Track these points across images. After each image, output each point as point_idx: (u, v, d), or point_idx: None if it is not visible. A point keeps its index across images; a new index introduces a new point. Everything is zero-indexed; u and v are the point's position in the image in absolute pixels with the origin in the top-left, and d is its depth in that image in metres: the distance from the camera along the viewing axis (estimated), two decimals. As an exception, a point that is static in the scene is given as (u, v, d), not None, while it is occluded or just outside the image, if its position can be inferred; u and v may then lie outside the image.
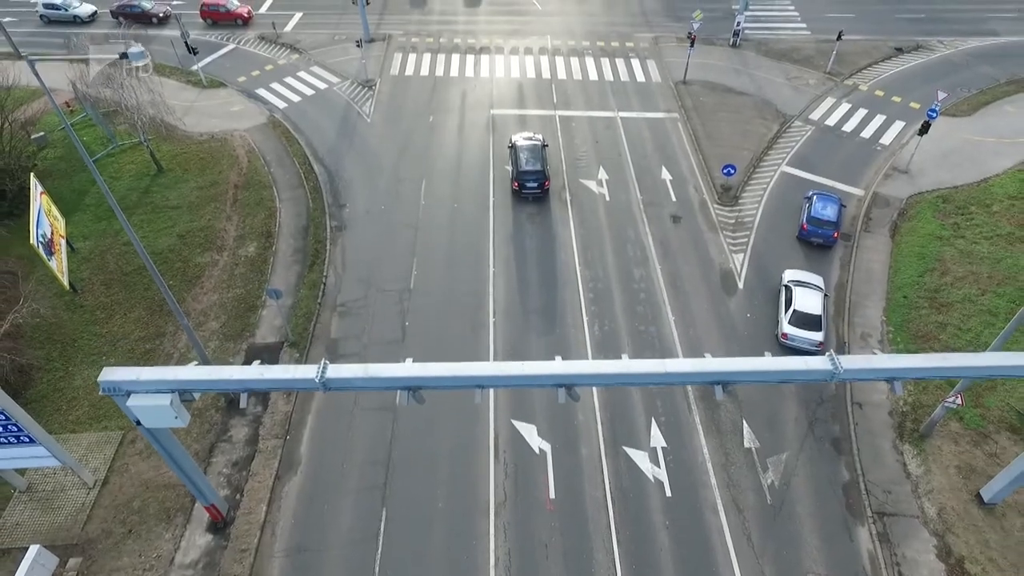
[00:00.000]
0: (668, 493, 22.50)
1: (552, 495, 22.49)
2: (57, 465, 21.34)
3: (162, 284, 21.62)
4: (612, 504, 22.21)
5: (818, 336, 26.24)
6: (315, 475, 23.23)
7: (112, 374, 15.95)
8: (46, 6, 51.67)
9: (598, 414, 24.67)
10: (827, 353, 15.80)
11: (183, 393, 16.34)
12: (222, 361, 26.86)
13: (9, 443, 20.11)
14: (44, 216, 28.31)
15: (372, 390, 16.44)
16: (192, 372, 16.17)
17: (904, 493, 22.38)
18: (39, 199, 28.42)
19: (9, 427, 19.57)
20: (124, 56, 17.36)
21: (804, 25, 49.86)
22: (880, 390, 25.32)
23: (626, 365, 15.94)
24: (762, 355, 26.62)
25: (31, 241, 26.22)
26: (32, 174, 29.44)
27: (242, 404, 16.65)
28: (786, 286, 28.09)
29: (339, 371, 15.87)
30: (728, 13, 50.63)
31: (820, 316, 26.57)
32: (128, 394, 16.01)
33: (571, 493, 22.57)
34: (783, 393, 25.45)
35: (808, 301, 26.93)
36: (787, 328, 26.57)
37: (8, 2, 54.10)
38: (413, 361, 16.63)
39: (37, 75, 18.40)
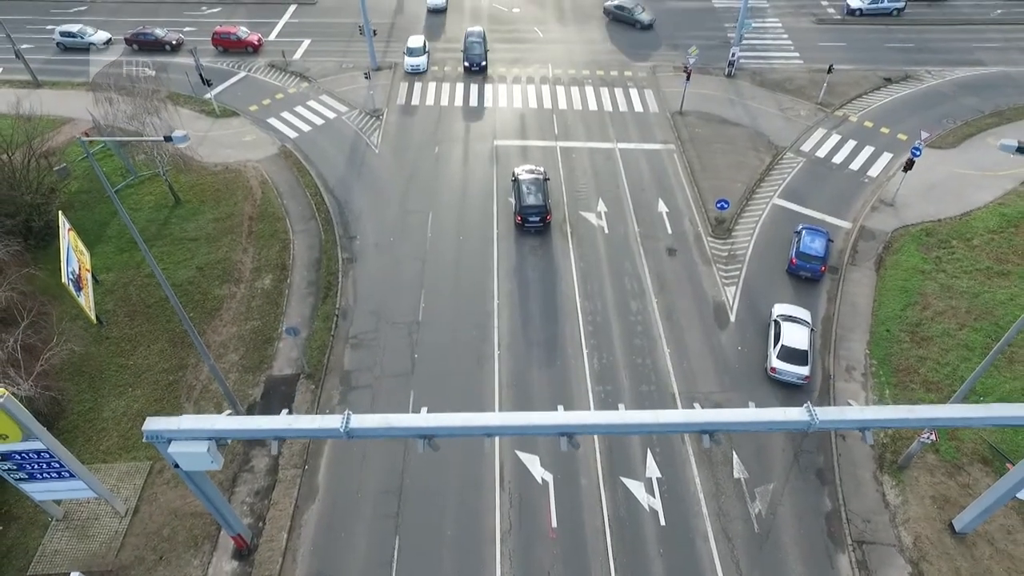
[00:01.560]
0: (662, 522, 24.10)
1: (554, 523, 24.10)
2: (93, 496, 22.96)
3: (186, 320, 23.10)
4: (610, 532, 23.82)
5: (804, 370, 27.84)
6: (332, 504, 24.82)
7: (154, 424, 17.56)
8: (63, 34, 53.30)
9: (597, 445, 26.27)
10: (804, 405, 17.41)
11: (218, 440, 17.95)
12: (242, 392, 28.46)
13: (51, 478, 21.72)
14: (72, 252, 29.92)
15: (391, 438, 18.00)
16: (227, 422, 17.76)
17: (882, 522, 23.99)
18: (67, 236, 30.01)
19: (52, 464, 21.19)
20: (168, 139, 18.87)
21: (797, 54, 51.49)
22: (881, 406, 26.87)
23: (622, 416, 17.54)
24: (753, 387, 28.38)
25: (63, 280, 27.76)
26: (60, 212, 30.99)
27: (273, 451, 18.24)
28: (775, 321, 29.70)
29: (362, 421, 17.47)
30: (724, 42, 52.27)
31: (806, 351, 28.17)
32: (169, 441, 17.62)
33: (572, 521, 24.18)
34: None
35: (795, 336, 28.53)
36: (775, 362, 28.17)
37: (25, 28, 55.65)
38: (427, 409, 18.22)
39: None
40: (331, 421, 17.47)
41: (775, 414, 17.45)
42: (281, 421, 17.74)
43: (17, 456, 20.71)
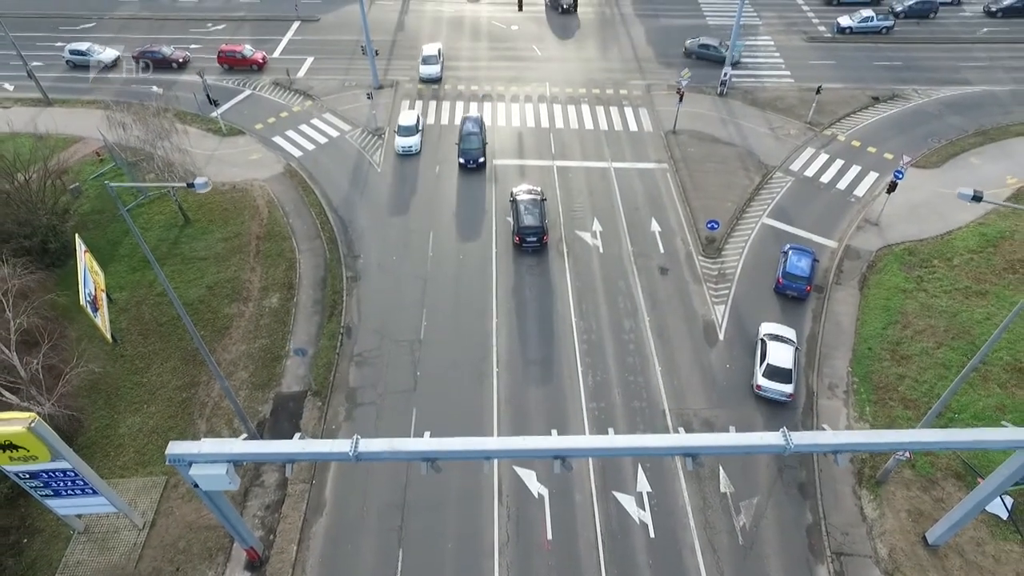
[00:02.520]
0: (652, 534, 25.46)
1: (549, 536, 25.44)
2: (113, 511, 24.28)
3: (198, 339, 24.11)
4: (602, 545, 25.16)
5: (788, 388, 29.20)
6: (339, 517, 26.17)
7: (177, 447, 18.90)
8: (72, 52, 54.59)
9: (591, 462, 27.59)
10: (780, 430, 18.75)
11: (236, 462, 19.27)
12: (252, 409, 29.80)
13: (75, 494, 23.05)
14: (88, 273, 31.24)
15: (397, 461, 19.33)
16: (244, 446, 19.09)
17: (860, 535, 25.35)
18: (83, 258, 31.33)
19: (76, 481, 22.51)
20: (191, 185, 20.18)
21: (788, 72, 52.85)
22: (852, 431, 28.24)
23: (611, 440, 18.90)
24: (740, 404, 29.77)
25: (81, 302, 29.12)
26: (77, 235, 32.27)
27: (288, 474, 19.57)
28: (761, 339, 31.06)
29: (369, 445, 18.80)
30: (718, 61, 53.58)
31: (791, 369, 29.52)
32: (190, 464, 18.95)
33: (566, 534, 25.52)
34: (756, 441, 28.40)
35: (780, 355, 29.89)
36: (761, 380, 29.54)
37: (35, 45, 56.92)
38: (430, 432, 19.47)
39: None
40: (341, 445, 18.80)
41: (753, 439, 18.80)
42: (294, 445, 19.07)
43: (44, 475, 22.04)
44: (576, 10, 61.24)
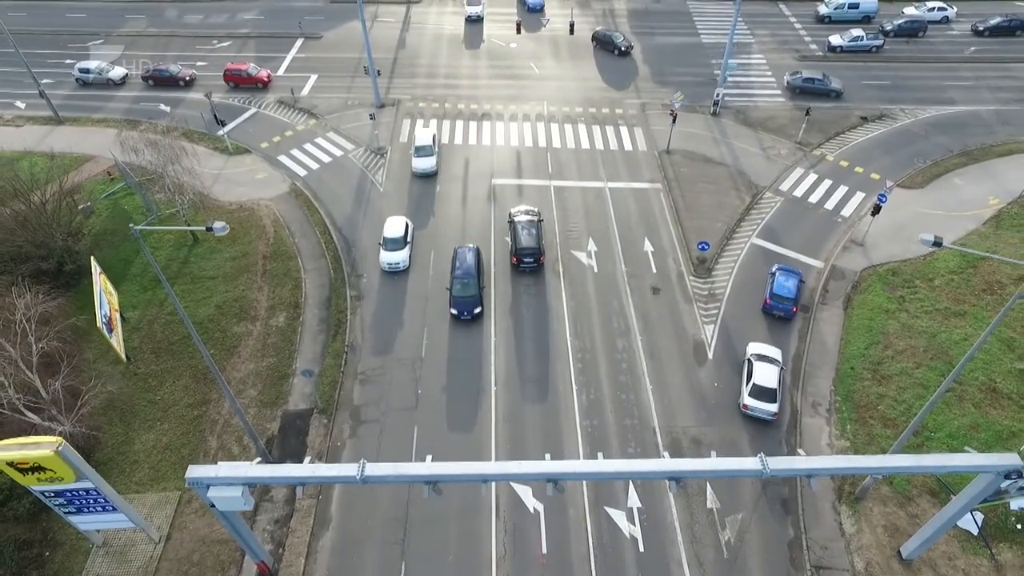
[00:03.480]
0: (641, 548, 26.84)
1: (544, 550, 26.82)
2: (131, 526, 25.65)
3: (209, 359, 25.32)
4: (594, 558, 26.55)
5: (773, 407, 30.58)
6: (345, 531, 27.54)
7: (196, 471, 20.27)
8: (81, 70, 55.99)
9: (583, 481, 28.96)
10: (758, 455, 20.13)
11: (250, 484, 20.65)
12: (261, 427, 31.17)
13: (96, 511, 24.41)
14: (103, 295, 32.58)
15: (400, 483, 20.71)
16: (258, 469, 20.47)
17: (838, 549, 26.74)
18: (98, 280, 32.66)
19: (98, 499, 23.88)
20: (210, 229, 21.51)
21: (779, 91, 54.23)
22: (826, 455, 29.64)
23: (600, 464, 20.30)
24: (727, 421, 31.17)
25: (97, 324, 30.43)
26: (92, 258, 33.58)
27: (299, 495, 20.94)
28: (748, 359, 32.45)
29: (375, 469, 20.17)
30: (711, 79, 55.03)
31: (775, 389, 30.89)
32: (208, 487, 20.33)
33: (560, 548, 26.91)
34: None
35: (766, 375, 31.26)
36: (747, 400, 30.92)
37: (45, 63, 58.28)
38: (431, 456, 20.86)
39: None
40: (348, 469, 20.18)
41: (733, 463, 20.18)
42: (305, 469, 20.45)
43: (68, 493, 23.39)
44: (631, 53, 60.10)
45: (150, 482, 29.15)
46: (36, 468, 21.81)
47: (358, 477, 19.91)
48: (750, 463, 20.02)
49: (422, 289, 37.94)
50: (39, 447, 21.47)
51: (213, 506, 21.02)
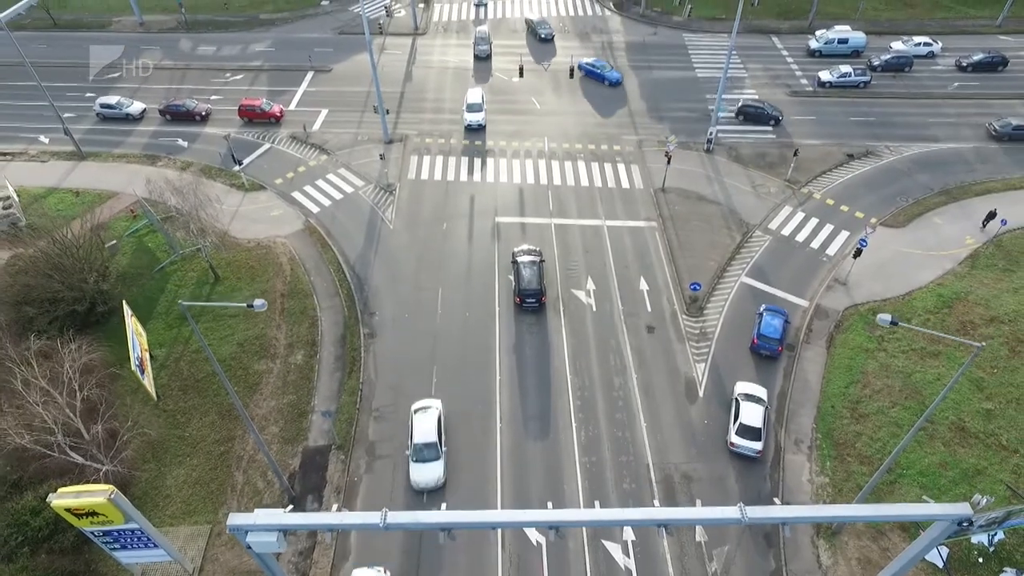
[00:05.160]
0: (635, 579, 29.32)
1: (546, 580, 29.31)
2: (169, 560, 28.08)
3: (235, 397, 27.50)
4: (592, 589, 29.01)
5: (758, 445, 33.04)
6: (363, 562, 29.89)
7: (236, 519, 22.59)
8: (103, 105, 58.42)
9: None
10: (737, 504, 22.53)
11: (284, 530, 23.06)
12: (283, 462, 33.58)
13: (139, 548, 26.86)
14: (135, 337, 35.00)
15: (419, 529, 23.12)
16: (292, 517, 22.73)
17: (816, 580, 29.21)
18: (131, 323, 35.06)
19: (141, 538, 26.32)
20: (250, 306, 23.91)
21: (770, 128, 56.68)
22: (805, 491, 32.12)
23: (597, 513, 22.73)
24: (715, 457, 33.62)
25: (131, 367, 32.88)
26: (124, 302, 35.95)
27: (328, 540, 23.34)
28: (736, 399, 34.89)
29: (396, 518, 22.39)
30: (705, 114, 57.46)
31: (760, 428, 33.34)
32: (247, 532, 22.76)
33: (561, 579, 29.38)
34: (729, 493, 32.27)
35: (751, 414, 33.71)
36: (734, 438, 33.38)
37: (66, 96, 60.72)
38: (445, 505, 23.26)
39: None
40: (372, 517, 22.45)
41: (715, 512, 22.51)
42: (333, 517, 22.81)
43: (115, 533, 25.83)
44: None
45: (182, 515, 31.57)
46: (90, 513, 24.24)
47: (381, 525, 22.21)
48: (730, 512, 22.31)
49: (431, 328, 40.32)
50: (93, 494, 23.87)
51: (250, 548, 23.44)
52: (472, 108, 56.62)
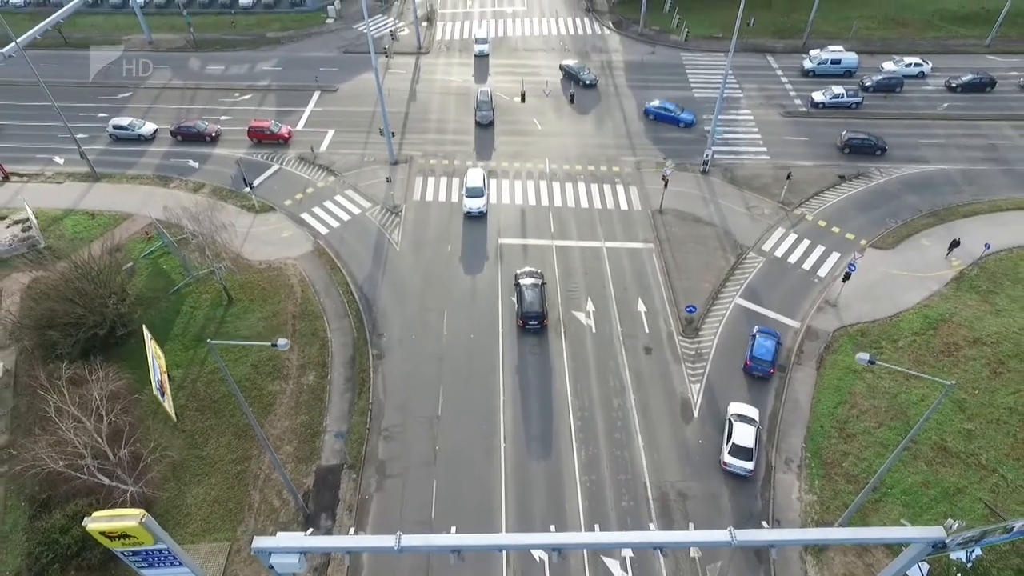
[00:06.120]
0: (633, 594, 30.97)
1: (548, 595, 30.96)
2: (192, 577, 29.70)
3: (252, 418, 29.04)
4: (592, 603, 30.67)
5: (750, 465, 34.71)
6: (374, 579, 31.64)
7: (260, 542, 24.32)
8: (115, 127, 60.11)
9: (583, 527, 33.08)
10: (728, 528, 24.21)
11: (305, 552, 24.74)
12: (298, 481, 35.24)
13: (166, 567, 28.50)
14: (155, 360, 36.63)
15: (431, 552, 24.76)
16: (312, 540, 24.54)
17: (803, 595, 30.87)
18: (151, 347, 36.70)
19: (168, 557, 27.96)
20: (275, 345, 25.60)
21: (765, 149, 58.37)
22: (795, 509, 33.81)
23: (596, 536, 24.36)
24: (709, 476, 35.28)
25: (153, 391, 34.50)
26: (144, 326, 37.55)
27: (346, 563, 25.00)
28: (729, 419, 36.56)
29: (409, 541, 24.12)
30: (702, 136, 59.12)
31: (752, 448, 35.01)
32: (270, 554, 24.44)
33: (562, 594, 31.03)
34: (722, 510, 33.94)
35: (743, 435, 35.38)
36: (727, 458, 35.05)
37: (79, 116, 62.38)
38: (455, 527, 24.93)
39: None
40: (387, 540, 24.16)
41: (706, 535, 24.23)
42: (350, 540, 24.51)
43: (144, 553, 27.47)
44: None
45: (203, 533, 33.22)
46: (122, 535, 25.87)
47: (396, 548, 23.93)
48: (721, 535, 24.01)
49: (437, 349, 41.99)
50: (125, 518, 25.41)
51: (272, 568, 25.11)
52: (472, 193, 50.73)
